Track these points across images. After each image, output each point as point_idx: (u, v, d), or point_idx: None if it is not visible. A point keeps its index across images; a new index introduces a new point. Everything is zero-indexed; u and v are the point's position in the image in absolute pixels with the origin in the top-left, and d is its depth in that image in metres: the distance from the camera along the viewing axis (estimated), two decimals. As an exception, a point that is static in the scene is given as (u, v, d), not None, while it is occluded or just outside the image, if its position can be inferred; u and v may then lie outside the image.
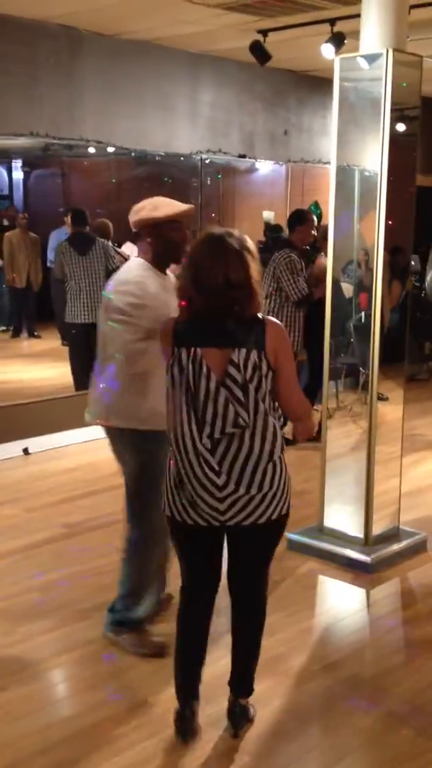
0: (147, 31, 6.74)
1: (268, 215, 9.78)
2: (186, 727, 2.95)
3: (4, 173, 12.92)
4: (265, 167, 9.66)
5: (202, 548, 2.90)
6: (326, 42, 6.35)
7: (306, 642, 3.69)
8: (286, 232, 7.15)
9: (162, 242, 3.38)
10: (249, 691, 3.05)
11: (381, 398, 4.71)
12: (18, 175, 12.83)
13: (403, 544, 4.58)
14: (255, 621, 2.99)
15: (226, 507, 2.73)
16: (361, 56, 4.24)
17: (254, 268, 2.71)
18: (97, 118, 6.85)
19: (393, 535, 4.62)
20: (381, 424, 4.59)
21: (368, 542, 4.49)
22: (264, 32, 6.61)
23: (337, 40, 6.30)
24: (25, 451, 6.42)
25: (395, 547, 4.53)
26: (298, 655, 3.56)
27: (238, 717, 3.02)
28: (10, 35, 6.20)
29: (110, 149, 7.39)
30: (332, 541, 4.55)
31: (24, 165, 12.60)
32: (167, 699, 3.18)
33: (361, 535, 4.51)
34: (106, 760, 2.87)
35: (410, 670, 3.49)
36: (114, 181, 10.28)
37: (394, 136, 4.15)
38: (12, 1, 5.86)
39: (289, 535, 4.53)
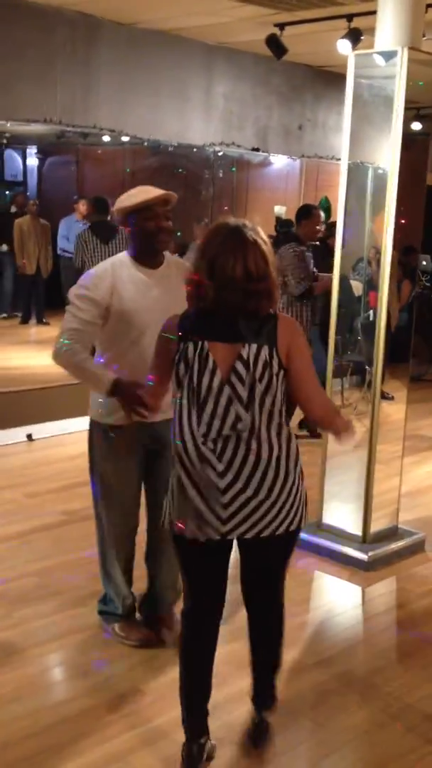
0: (164, 21, 6.73)
1: (279, 210, 9.77)
2: (193, 765, 2.73)
3: (19, 159, 12.94)
4: (279, 162, 9.63)
5: (203, 564, 2.67)
6: (343, 38, 6.33)
7: (300, 637, 3.70)
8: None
9: (137, 232, 3.18)
10: (275, 700, 2.93)
11: (386, 397, 4.70)
12: (33, 161, 12.87)
13: (401, 543, 4.58)
14: (274, 634, 2.87)
15: (228, 515, 2.52)
16: (377, 53, 4.23)
17: (272, 261, 2.52)
18: (112, 107, 6.84)
19: (391, 534, 4.63)
20: (384, 423, 4.58)
21: (366, 540, 4.50)
22: (281, 26, 6.59)
23: (354, 36, 6.29)
24: (29, 437, 6.45)
25: (393, 546, 4.53)
26: (291, 649, 3.55)
27: (263, 732, 2.90)
28: (27, 21, 6.20)
29: (124, 138, 7.39)
30: (330, 537, 4.55)
31: (38, 152, 12.64)
32: (158, 687, 3.21)
33: (359, 532, 4.51)
34: (95, 745, 2.88)
35: (402, 668, 3.50)
36: (127, 170, 10.29)
37: (407, 135, 4.14)
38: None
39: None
